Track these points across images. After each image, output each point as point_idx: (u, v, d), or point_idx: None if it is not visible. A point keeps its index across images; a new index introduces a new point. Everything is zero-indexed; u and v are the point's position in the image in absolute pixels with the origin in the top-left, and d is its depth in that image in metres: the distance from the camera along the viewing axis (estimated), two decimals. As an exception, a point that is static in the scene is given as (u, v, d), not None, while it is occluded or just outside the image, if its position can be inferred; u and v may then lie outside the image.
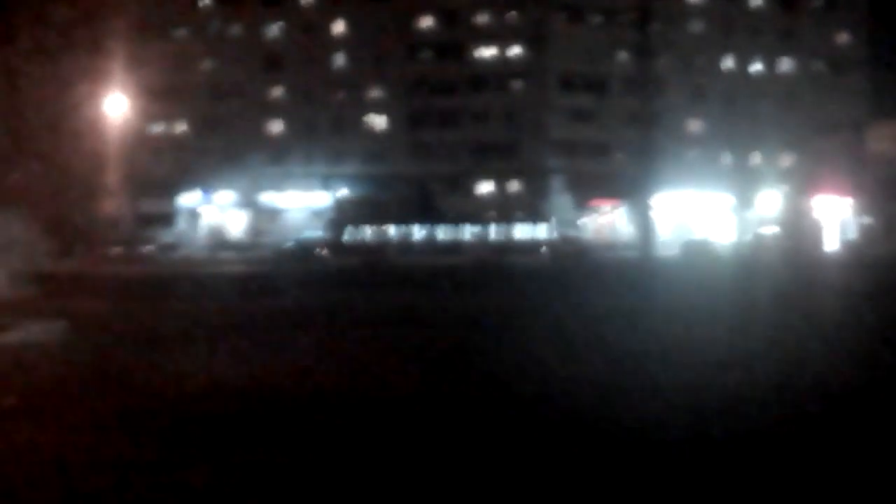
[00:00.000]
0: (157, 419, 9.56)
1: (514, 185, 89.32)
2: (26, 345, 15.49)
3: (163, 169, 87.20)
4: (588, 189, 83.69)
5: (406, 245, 66.79)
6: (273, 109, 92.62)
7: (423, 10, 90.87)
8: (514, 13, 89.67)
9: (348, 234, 68.91)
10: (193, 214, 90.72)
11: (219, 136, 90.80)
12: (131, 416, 9.71)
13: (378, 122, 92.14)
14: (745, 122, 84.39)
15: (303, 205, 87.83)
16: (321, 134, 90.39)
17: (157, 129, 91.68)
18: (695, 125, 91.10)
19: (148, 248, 77.58)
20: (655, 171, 52.70)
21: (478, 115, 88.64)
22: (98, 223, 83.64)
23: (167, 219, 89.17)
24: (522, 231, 68.00)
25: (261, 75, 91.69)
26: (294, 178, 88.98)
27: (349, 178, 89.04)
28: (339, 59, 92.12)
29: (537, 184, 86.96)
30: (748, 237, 73.92)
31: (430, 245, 66.74)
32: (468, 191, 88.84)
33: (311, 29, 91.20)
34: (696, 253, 60.59)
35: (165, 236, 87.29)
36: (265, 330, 18.44)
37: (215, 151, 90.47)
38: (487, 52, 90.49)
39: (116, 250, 76.49)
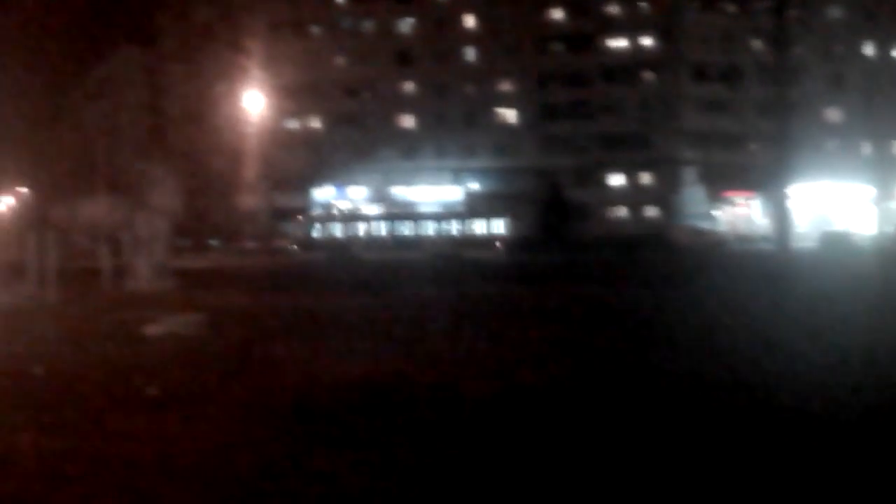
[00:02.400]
0: (299, 409, 9.73)
1: (645, 178, 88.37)
2: (168, 337, 15.96)
3: (297, 164, 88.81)
4: (721, 180, 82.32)
5: (371, 241, 70.30)
6: (405, 104, 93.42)
7: (554, 2, 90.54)
8: (645, 3, 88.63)
9: (317, 231, 72.73)
10: (327, 209, 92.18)
11: (352, 132, 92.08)
12: (273, 406, 9.91)
13: (509, 115, 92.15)
14: (886, 111, 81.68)
15: (434, 199, 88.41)
16: (452, 128, 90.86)
17: (292, 125, 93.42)
18: (833, 114, 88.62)
19: (283, 243, 79.17)
20: (792, 161, 51.58)
21: (609, 107, 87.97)
22: (235, 217, 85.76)
23: (302, 213, 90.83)
24: (480, 227, 72.79)
25: (393, 70, 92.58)
26: (425, 172, 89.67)
27: (480, 172, 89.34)
28: (470, 53, 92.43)
29: (669, 176, 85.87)
30: (890, 229, 71.65)
31: (394, 240, 70.18)
32: (599, 183, 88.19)
33: (442, 23, 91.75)
34: (835, 245, 59.09)
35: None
36: (402, 321, 18.54)
37: (348, 146, 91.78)
38: (619, 43, 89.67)
39: (252, 244, 78.29)
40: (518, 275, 37.22)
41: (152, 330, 16.51)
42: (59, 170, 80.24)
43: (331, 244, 70.53)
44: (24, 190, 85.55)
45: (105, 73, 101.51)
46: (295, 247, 73.66)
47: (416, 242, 69.97)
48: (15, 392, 10.79)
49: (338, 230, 74.02)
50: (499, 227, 71.88)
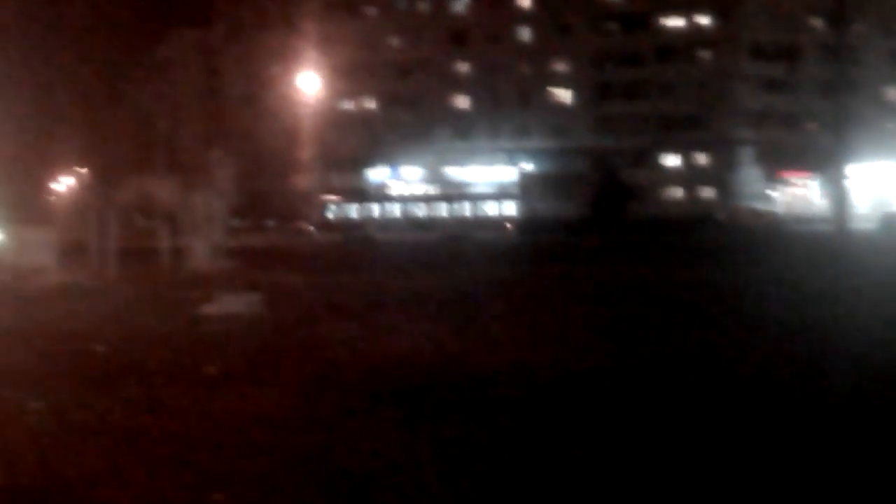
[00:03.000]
0: (356, 387, 9.82)
1: (701, 158, 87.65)
2: (226, 315, 16.16)
3: (352, 145, 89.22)
4: (778, 160, 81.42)
5: (385, 221, 71.50)
6: (459, 84, 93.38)
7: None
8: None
9: (332, 212, 74.01)
10: (382, 189, 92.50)
11: (406, 112, 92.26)
12: (330, 383, 10.03)
13: (563, 95, 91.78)
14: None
15: (488, 179, 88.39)
16: (506, 108, 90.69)
17: (347, 105, 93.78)
18: (894, 93, 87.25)
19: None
20: (851, 141, 50.79)
21: (664, 87, 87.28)
22: (291, 198, 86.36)
23: (357, 194, 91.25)
24: (491, 208, 74.00)
25: (447, 50, 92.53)
26: (479, 152, 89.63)
27: (534, 153, 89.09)
28: (525, 33, 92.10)
29: (725, 156, 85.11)
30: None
31: (407, 221, 71.22)
32: (654, 164, 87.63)
33: (497, 3, 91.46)
34: (895, 226, 58.07)
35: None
36: (451, 301, 18.63)
37: (402, 127, 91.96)
38: (675, 21, 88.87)
39: (308, 224, 78.81)
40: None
41: (210, 309, 16.73)
42: (118, 151, 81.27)
43: (346, 225, 71.78)
44: (84, 171, 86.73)
45: (163, 55, 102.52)
46: (311, 228, 75.06)
47: (429, 223, 70.89)
48: (78, 369, 11.03)
49: (353, 211, 75.30)
50: (509, 209, 72.45)
